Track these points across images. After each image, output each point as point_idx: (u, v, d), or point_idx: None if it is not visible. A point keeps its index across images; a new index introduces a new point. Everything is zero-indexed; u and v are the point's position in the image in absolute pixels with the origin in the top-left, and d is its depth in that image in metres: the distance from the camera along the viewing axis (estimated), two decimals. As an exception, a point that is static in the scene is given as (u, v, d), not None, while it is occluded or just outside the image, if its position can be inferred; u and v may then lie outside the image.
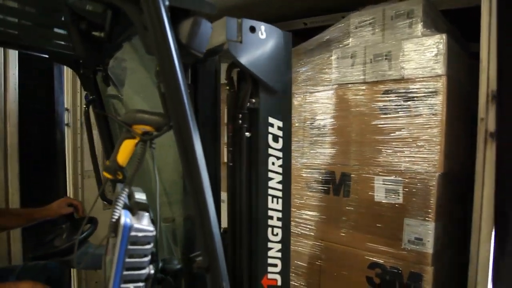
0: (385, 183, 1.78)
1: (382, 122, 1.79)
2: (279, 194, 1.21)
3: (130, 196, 0.95)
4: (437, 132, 1.64)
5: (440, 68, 1.62)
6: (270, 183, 1.19)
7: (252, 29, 1.11)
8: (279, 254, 1.22)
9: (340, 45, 1.99)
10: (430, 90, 1.65)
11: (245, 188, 1.19)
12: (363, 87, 1.87)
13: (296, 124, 2.13)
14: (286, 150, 1.22)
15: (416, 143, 1.69)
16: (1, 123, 2.31)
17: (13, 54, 2.34)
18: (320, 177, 2.05)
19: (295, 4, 2.39)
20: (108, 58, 1.53)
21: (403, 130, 1.73)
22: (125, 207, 0.90)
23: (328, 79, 2.02)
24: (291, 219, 1.31)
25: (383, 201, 1.79)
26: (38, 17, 1.37)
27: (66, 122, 2.67)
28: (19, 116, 2.38)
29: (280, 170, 1.21)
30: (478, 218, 1.60)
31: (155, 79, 1.14)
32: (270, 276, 1.21)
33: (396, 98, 1.75)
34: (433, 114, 1.64)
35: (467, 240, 1.65)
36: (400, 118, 1.73)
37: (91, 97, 1.58)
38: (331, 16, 2.43)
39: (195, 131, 0.84)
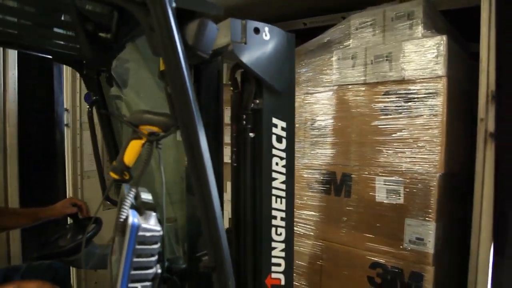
0: (386, 183, 1.79)
1: (383, 123, 1.80)
2: (283, 194, 1.21)
3: (137, 196, 0.95)
4: (437, 132, 1.65)
5: (440, 69, 1.63)
6: (274, 183, 1.20)
7: (256, 31, 1.11)
8: (282, 254, 1.22)
9: (341, 46, 2.00)
10: (430, 91, 1.66)
11: (249, 188, 1.20)
12: (364, 88, 1.88)
13: (297, 125, 2.14)
14: (290, 150, 1.23)
15: (416, 143, 1.70)
16: (1, 123, 2.31)
17: (13, 54, 2.34)
18: (321, 178, 2.06)
19: (295, 4, 2.40)
20: (112, 59, 1.54)
21: (403, 131, 1.74)
22: (132, 207, 0.90)
23: (328, 80, 2.03)
24: (293, 219, 1.32)
25: (384, 202, 1.80)
26: (43, 18, 1.38)
27: (65, 122, 2.66)
28: (18, 116, 2.38)
29: (283, 170, 1.21)
30: (478, 218, 1.61)
31: (158, 79, 1.14)
32: (274, 275, 1.21)
33: (397, 99, 1.76)
34: (433, 115, 1.65)
35: (467, 240, 1.67)
36: (400, 119, 1.74)
37: (94, 97, 1.59)
38: (330, 17, 2.45)
39: (202, 132, 0.85)
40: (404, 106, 1.73)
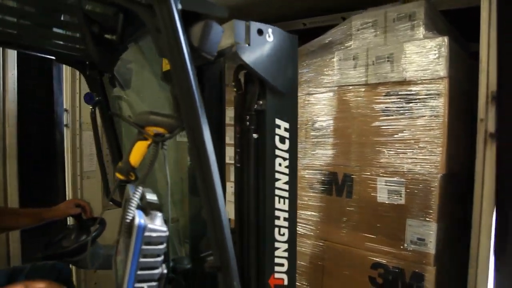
0: (388, 184, 1.79)
1: (384, 124, 1.80)
2: (286, 194, 1.22)
3: (142, 196, 0.96)
4: (439, 133, 1.65)
5: (442, 71, 1.64)
6: (277, 184, 1.20)
7: (260, 32, 1.11)
8: (285, 254, 1.23)
9: (342, 47, 2.00)
10: (432, 92, 1.66)
11: (252, 189, 1.20)
12: (365, 89, 1.88)
13: (298, 126, 2.14)
14: (293, 151, 1.23)
15: (418, 144, 1.71)
16: (0, 124, 2.30)
17: (13, 55, 2.34)
18: (323, 178, 2.06)
19: (295, 4, 2.40)
20: (116, 60, 1.54)
21: (405, 131, 1.74)
22: (138, 207, 0.91)
23: (330, 81, 2.03)
24: (294, 219, 1.32)
25: (385, 202, 1.80)
26: (49, 19, 1.37)
27: (65, 122, 2.66)
28: (18, 117, 2.38)
29: (286, 171, 1.22)
30: (478, 218, 1.62)
31: (160, 80, 1.14)
32: (277, 275, 1.22)
33: (398, 100, 1.76)
34: (435, 116, 1.66)
35: (468, 240, 1.67)
36: (402, 120, 1.75)
37: (97, 98, 1.59)
38: (330, 17, 2.45)
39: (207, 132, 0.85)
40: (406, 107, 1.74)
